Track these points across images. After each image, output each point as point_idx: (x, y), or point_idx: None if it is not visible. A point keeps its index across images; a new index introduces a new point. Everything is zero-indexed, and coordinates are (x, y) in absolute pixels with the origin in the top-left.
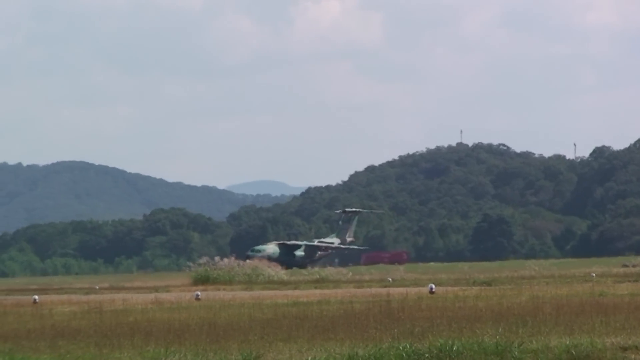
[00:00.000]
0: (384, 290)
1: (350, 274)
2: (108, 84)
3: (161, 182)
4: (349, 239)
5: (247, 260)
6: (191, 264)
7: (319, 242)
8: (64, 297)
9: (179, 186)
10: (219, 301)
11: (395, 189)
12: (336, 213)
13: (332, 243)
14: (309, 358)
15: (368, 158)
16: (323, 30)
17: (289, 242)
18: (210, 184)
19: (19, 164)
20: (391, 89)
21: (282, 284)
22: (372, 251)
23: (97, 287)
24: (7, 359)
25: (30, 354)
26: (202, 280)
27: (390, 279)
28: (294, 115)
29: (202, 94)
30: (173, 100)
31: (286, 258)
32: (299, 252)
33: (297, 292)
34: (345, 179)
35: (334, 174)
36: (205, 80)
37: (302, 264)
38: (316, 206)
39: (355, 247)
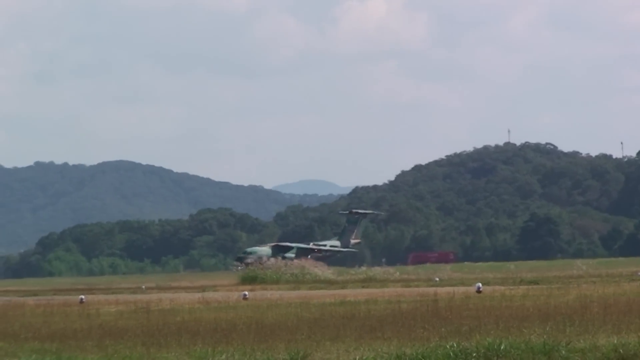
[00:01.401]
0: (431, 290)
1: (398, 273)
2: (154, 84)
3: (208, 182)
4: (353, 241)
5: (235, 262)
6: (238, 263)
7: (313, 244)
8: (111, 297)
9: (226, 186)
10: (266, 301)
11: (443, 188)
12: (342, 214)
13: (325, 245)
14: (357, 357)
15: (415, 157)
16: (368, 30)
17: (282, 244)
18: (257, 184)
19: (65, 163)
20: (437, 89)
21: (329, 283)
22: (419, 251)
23: (144, 287)
24: (55, 358)
25: (77, 353)
26: (250, 280)
27: (437, 279)
28: (341, 115)
29: (249, 93)
30: (219, 100)
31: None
32: (290, 254)
33: (344, 292)
34: (392, 178)
35: (381, 174)
36: (251, 80)
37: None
38: (363, 206)
39: (349, 249)
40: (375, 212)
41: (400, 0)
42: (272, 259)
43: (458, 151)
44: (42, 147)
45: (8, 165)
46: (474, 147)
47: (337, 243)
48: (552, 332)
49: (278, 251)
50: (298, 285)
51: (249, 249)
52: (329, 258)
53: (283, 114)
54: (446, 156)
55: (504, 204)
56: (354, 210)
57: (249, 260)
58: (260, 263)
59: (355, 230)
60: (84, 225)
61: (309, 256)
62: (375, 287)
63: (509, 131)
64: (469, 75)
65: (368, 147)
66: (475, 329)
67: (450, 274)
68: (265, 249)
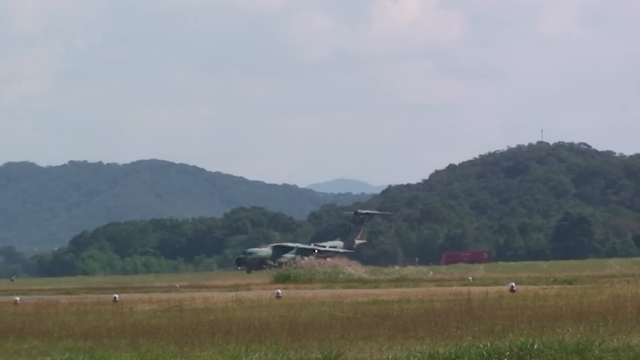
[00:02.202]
0: (464, 289)
1: (431, 272)
2: (187, 83)
3: (241, 181)
4: (358, 242)
5: (236, 264)
6: (271, 262)
7: (315, 245)
8: (144, 295)
9: (259, 185)
10: (300, 299)
11: (476, 187)
12: (348, 215)
13: (324, 246)
14: (390, 356)
15: (449, 156)
16: (402, 29)
17: (283, 244)
18: (291, 183)
19: (99, 162)
20: (471, 88)
21: (362, 282)
22: (452, 250)
23: (178, 286)
24: (88, 357)
25: (110, 352)
26: (283, 279)
27: (470, 278)
28: (374, 114)
29: (282, 92)
30: (253, 99)
31: (278, 260)
32: (289, 255)
33: (377, 291)
34: (426, 177)
35: (415, 173)
36: (284, 79)
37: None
38: (396, 205)
39: (350, 250)
40: (382, 213)
41: None
42: (305, 258)
43: (491, 150)
44: (76, 146)
45: (42, 164)
46: (508, 147)
47: (340, 244)
48: (585, 331)
49: (279, 252)
50: (331, 284)
51: (248, 250)
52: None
53: (317, 113)
54: (480, 155)
55: (538, 203)
56: (359, 211)
57: (249, 262)
58: (294, 262)
59: (361, 231)
60: (118, 223)
61: (309, 257)
62: (408, 286)
63: (542, 130)
64: (502, 74)
65: (401, 146)
66: (508, 328)
67: (483, 273)
68: (265, 250)
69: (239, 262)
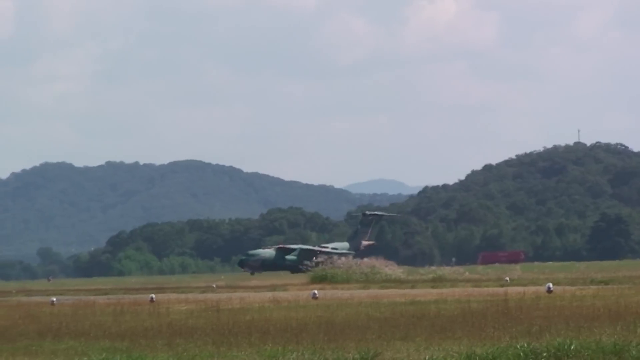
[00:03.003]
0: (501, 290)
1: (467, 273)
2: (223, 84)
3: (278, 181)
4: (365, 243)
5: (239, 266)
6: (308, 262)
7: (320, 247)
8: (181, 295)
9: (296, 185)
10: (337, 300)
11: (513, 188)
12: (355, 216)
13: (327, 247)
14: (427, 357)
15: (485, 157)
16: (438, 30)
17: (286, 246)
18: (327, 183)
19: (136, 163)
20: (507, 89)
21: (399, 282)
22: (489, 250)
23: (215, 286)
24: (125, 357)
25: (147, 352)
26: (319, 279)
27: (507, 279)
28: (410, 115)
29: (318, 93)
30: (288, 100)
31: (280, 262)
32: (291, 257)
33: (414, 291)
34: (463, 178)
35: (451, 173)
36: (320, 80)
37: (293, 267)
38: (433, 205)
39: (354, 252)
40: (392, 215)
41: (470, 0)
42: (343, 258)
43: (528, 151)
44: (113, 147)
45: (79, 164)
46: (544, 147)
47: (345, 245)
48: (622, 332)
49: (282, 254)
50: (368, 285)
51: (251, 252)
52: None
53: (353, 113)
54: (516, 156)
55: (575, 204)
56: (368, 212)
57: (251, 264)
58: (330, 262)
59: (369, 233)
60: (154, 224)
61: (313, 258)
62: (445, 286)
63: (578, 131)
64: (538, 75)
65: (438, 146)
66: (545, 329)
67: (520, 273)
68: (268, 252)
69: (242, 264)
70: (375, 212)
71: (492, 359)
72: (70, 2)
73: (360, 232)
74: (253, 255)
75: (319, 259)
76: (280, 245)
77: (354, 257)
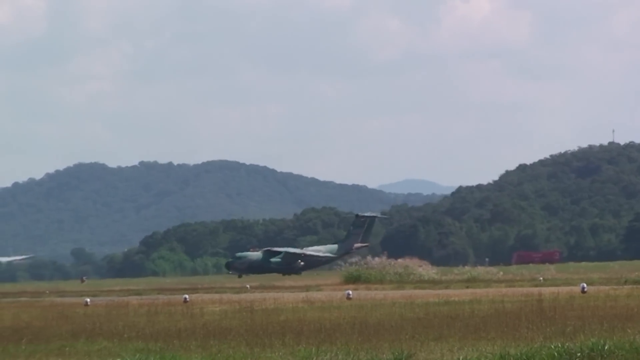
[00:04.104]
0: (535, 290)
1: (501, 273)
2: (257, 83)
3: (312, 181)
4: (357, 245)
5: (226, 268)
6: (342, 263)
7: (311, 250)
8: (215, 296)
9: (330, 185)
10: (370, 300)
11: (547, 187)
12: (348, 217)
13: (307, 251)
14: (460, 357)
15: (519, 157)
16: (471, 29)
17: (274, 249)
18: (361, 183)
19: (170, 163)
20: (541, 88)
21: (433, 283)
22: (523, 250)
23: (248, 287)
24: (159, 358)
25: (181, 353)
26: (354, 280)
27: (541, 279)
28: (444, 114)
29: (352, 92)
30: (323, 99)
31: (267, 264)
32: (276, 259)
33: (448, 292)
34: (496, 178)
35: (485, 173)
36: (354, 79)
37: (278, 270)
38: (467, 205)
39: (327, 254)
40: (383, 217)
41: None
42: (376, 259)
43: (562, 151)
44: (146, 147)
45: (112, 164)
46: (578, 147)
47: (333, 248)
48: None
49: (269, 256)
50: (402, 285)
51: (238, 254)
52: (323, 264)
53: (386, 113)
54: (550, 155)
55: (609, 203)
56: (361, 214)
57: (238, 266)
58: (364, 262)
59: (361, 235)
60: (188, 224)
61: (298, 261)
62: (478, 287)
63: (613, 131)
64: (572, 74)
65: (471, 146)
66: (579, 329)
67: (554, 274)
68: (256, 254)
69: (229, 266)
70: (369, 214)
71: (526, 359)
72: (104, 1)
73: (353, 234)
74: (240, 257)
75: (302, 263)
76: (267, 248)
77: (343, 257)
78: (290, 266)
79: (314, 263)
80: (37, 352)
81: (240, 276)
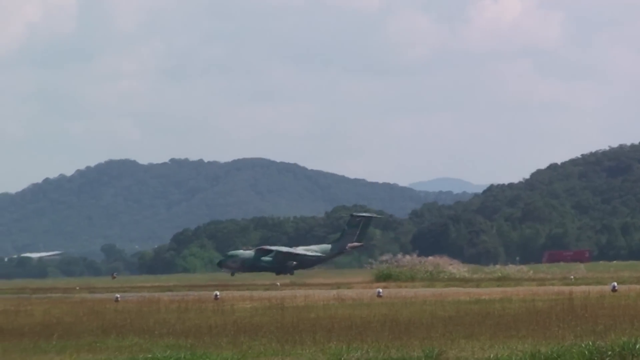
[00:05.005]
0: (566, 289)
1: (532, 272)
2: (287, 82)
3: (343, 179)
4: (351, 245)
5: (218, 267)
6: (373, 261)
7: (303, 250)
8: (245, 293)
9: (360, 183)
10: (401, 298)
11: (578, 187)
12: (342, 217)
13: (298, 250)
14: (491, 355)
15: (550, 156)
16: (502, 29)
17: (266, 248)
18: (392, 181)
19: (200, 160)
20: (572, 87)
21: (464, 281)
22: (554, 249)
23: (279, 284)
24: (189, 354)
25: (211, 349)
26: (384, 277)
27: (572, 277)
28: (475, 113)
29: (382, 91)
30: (353, 98)
31: (258, 263)
32: (267, 258)
33: (478, 290)
34: (527, 176)
35: (516, 172)
36: (384, 78)
37: (270, 269)
38: (498, 204)
39: (318, 254)
40: (377, 216)
41: None
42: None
43: (593, 150)
44: (177, 144)
45: (143, 161)
46: (609, 146)
47: (326, 248)
48: None
49: (261, 255)
50: (432, 283)
51: (230, 253)
52: (315, 264)
53: (417, 112)
54: (581, 155)
55: None
56: (355, 214)
57: (230, 265)
58: (395, 261)
59: (356, 234)
60: (219, 221)
61: (289, 261)
62: (509, 285)
63: None
64: (603, 74)
65: (502, 145)
66: (610, 327)
67: (584, 272)
68: (248, 253)
69: (221, 264)
70: (364, 214)
71: (557, 358)
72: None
73: (347, 234)
74: (232, 256)
75: (294, 262)
76: (260, 247)
77: (336, 257)
78: (282, 265)
79: (306, 263)
80: (68, 348)
81: (233, 274)
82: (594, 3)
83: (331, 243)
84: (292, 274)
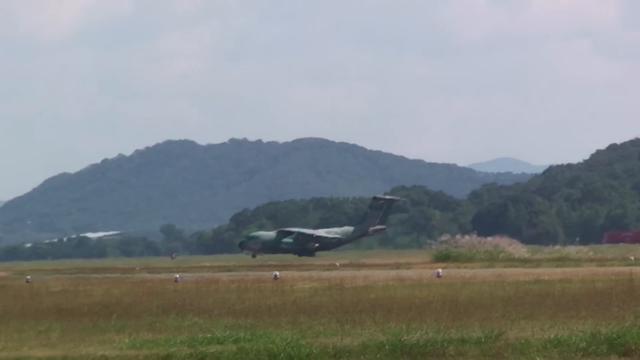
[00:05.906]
0: (626, 269)
1: (592, 252)
2: (346, 62)
3: (402, 159)
4: (373, 228)
5: (239, 248)
6: (432, 241)
7: (324, 232)
8: (305, 273)
9: (419, 163)
10: (460, 279)
11: (638, 167)
12: (367, 200)
13: (319, 232)
14: (551, 335)
15: (610, 136)
16: (560, 10)
17: (287, 229)
18: (451, 162)
19: (259, 140)
20: (630, 68)
21: (523, 261)
22: (614, 230)
23: (338, 264)
24: (249, 334)
25: (271, 329)
26: (443, 258)
27: (632, 258)
28: (534, 94)
29: (441, 71)
30: (411, 77)
31: (279, 245)
32: (288, 240)
33: (538, 270)
34: (587, 157)
35: (575, 153)
36: (442, 58)
37: (291, 251)
38: (557, 185)
39: (338, 236)
40: (400, 199)
41: None
42: (466, 237)
43: None
44: (236, 124)
45: (202, 142)
46: None
47: (350, 229)
48: None
49: (282, 237)
50: (492, 263)
51: (252, 234)
52: (335, 246)
53: (476, 92)
54: None
55: None
56: (378, 196)
57: (251, 246)
58: (454, 242)
59: (379, 217)
60: (277, 202)
61: (310, 243)
62: (569, 266)
63: None
64: None
65: (561, 126)
66: None
67: None
68: (269, 234)
69: (242, 245)
70: (387, 197)
71: (617, 338)
72: None
73: (370, 216)
74: (253, 237)
75: (316, 244)
76: (281, 229)
77: (358, 239)
78: (303, 247)
79: (326, 244)
80: (127, 328)
81: (254, 256)
82: None
83: (354, 225)
84: (313, 255)
